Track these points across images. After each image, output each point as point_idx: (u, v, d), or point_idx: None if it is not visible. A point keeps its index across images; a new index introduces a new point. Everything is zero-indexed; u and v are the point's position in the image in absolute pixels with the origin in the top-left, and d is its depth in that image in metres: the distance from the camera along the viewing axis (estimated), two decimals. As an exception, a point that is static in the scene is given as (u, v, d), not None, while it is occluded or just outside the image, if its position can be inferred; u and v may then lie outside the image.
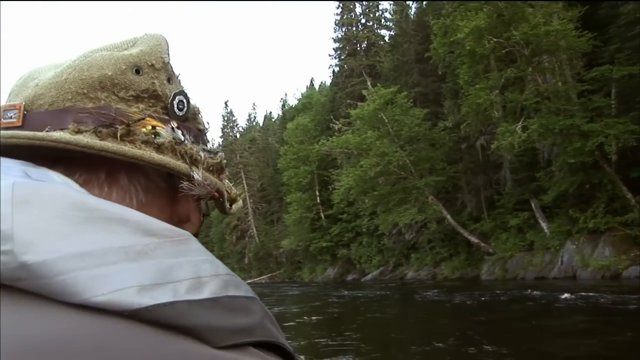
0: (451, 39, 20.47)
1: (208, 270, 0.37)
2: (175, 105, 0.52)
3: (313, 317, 12.82)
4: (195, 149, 0.50)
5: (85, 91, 0.47)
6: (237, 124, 67.73)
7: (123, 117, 0.47)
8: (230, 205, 0.58)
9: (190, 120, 0.54)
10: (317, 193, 39.21)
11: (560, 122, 17.32)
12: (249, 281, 45.41)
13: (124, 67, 0.49)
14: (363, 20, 41.52)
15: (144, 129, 0.47)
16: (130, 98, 0.49)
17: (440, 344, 7.93)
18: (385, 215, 26.73)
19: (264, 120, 73.73)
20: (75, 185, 0.42)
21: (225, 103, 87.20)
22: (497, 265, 22.25)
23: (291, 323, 11.73)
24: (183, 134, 0.51)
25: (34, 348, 0.28)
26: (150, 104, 0.51)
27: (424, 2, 32.80)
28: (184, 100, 0.53)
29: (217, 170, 0.54)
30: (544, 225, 20.73)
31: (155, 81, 0.51)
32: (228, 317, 0.35)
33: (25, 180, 0.37)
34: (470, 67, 20.38)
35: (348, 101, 33.64)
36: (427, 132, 26.45)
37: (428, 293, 17.18)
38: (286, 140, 42.58)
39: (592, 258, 17.57)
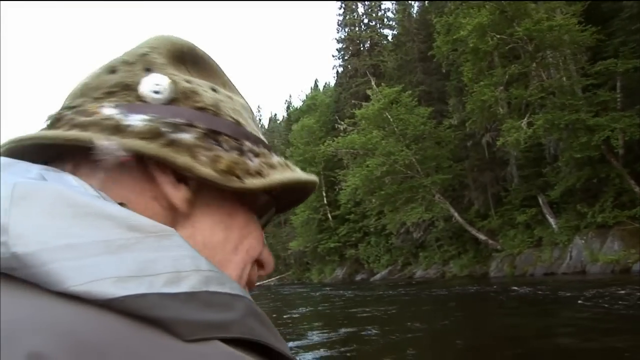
0: (454, 37, 20.46)
1: (188, 265, 0.38)
2: (149, 89, 0.49)
3: (321, 316, 12.86)
4: (123, 119, 0.46)
5: (68, 102, 0.53)
6: (243, 127, 68.01)
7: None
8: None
9: (180, 100, 0.50)
10: (324, 194, 39.22)
11: (566, 117, 17.28)
12: (257, 283, 45.27)
13: (99, 72, 0.53)
14: (366, 20, 41.60)
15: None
16: (103, 95, 0.51)
17: (450, 340, 7.96)
18: (392, 215, 26.74)
19: (269, 123, 73.96)
20: (91, 190, 0.44)
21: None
22: (505, 262, 22.20)
23: (298, 322, 11.78)
24: (125, 112, 0.47)
25: (19, 330, 0.30)
26: (124, 95, 0.50)
27: (426, 1, 32.80)
28: (159, 83, 0.50)
29: (152, 136, 0.46)
30: (551, 220, 20.66)
31: (126, 74, 0.51)
32: (203, 312, 0.36)
33: (27, 180, 0.40)
34: (474, 64, 20.37)
35: (352, 101, 33.71)
36: (432, 131, 26.45)
37: (437, 291, 17.17)
38: (292, 142, 42.67)
39: (601, 252, 17.50)
